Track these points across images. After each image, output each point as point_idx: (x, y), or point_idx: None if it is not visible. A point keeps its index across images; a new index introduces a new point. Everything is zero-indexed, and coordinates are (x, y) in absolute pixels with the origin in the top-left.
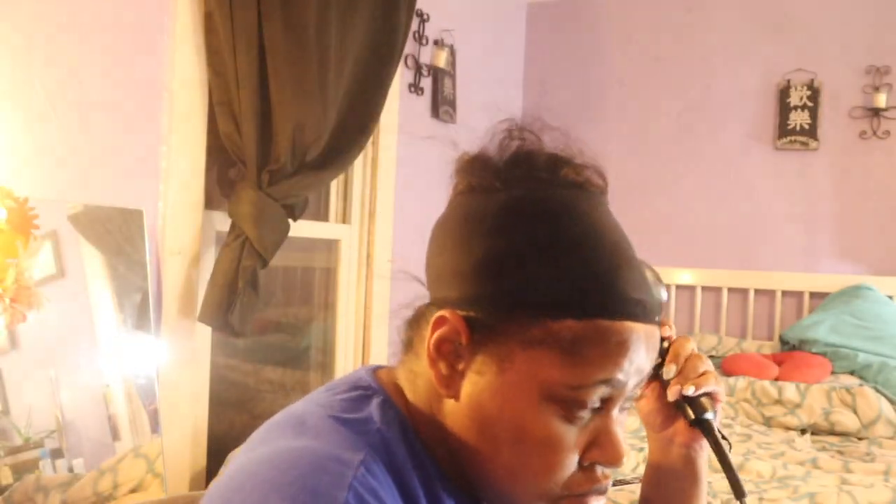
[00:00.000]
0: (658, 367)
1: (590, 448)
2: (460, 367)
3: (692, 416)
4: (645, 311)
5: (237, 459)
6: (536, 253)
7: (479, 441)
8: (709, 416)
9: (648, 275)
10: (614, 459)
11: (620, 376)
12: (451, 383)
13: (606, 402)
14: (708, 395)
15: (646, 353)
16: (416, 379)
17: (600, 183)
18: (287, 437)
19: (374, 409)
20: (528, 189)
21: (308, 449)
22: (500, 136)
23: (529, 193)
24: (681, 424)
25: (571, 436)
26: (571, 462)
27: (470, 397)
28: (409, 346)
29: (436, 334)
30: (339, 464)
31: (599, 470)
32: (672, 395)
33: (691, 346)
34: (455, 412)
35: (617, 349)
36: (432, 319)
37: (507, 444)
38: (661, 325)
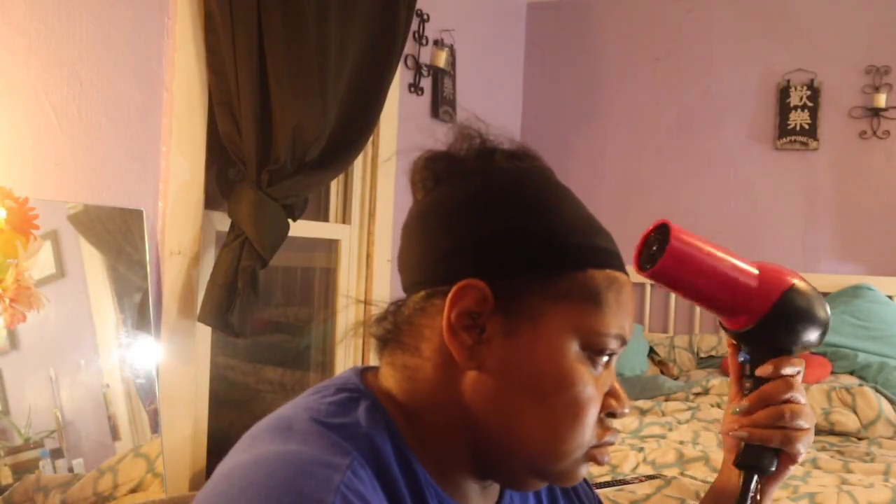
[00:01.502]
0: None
1: (606, 398)
2: (485, 335)
3: (736, 460)
4: (621, 262)
5: (224, 463)
6: (543, 215)
7: (512, 404)
8: (768, 470)
9: (809, 294)
10: (623, 405)
11: (629, 322)
12: (474, 354)
13: (612, 355)
14: (778, 450)
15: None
16: (416, 373)
17: (531, 152)
18: (274, 441)
19: (361, 412)
20: (509, 167)
21: (295, 453)
22: (459, 133)
23: (513, 170)
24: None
25: (596, 391)
26: (597, 411)
27: (502, 361)
28: (396, 343)
29: (458, 306)
30: (326, 468)
31: (609, 420)
32: (726, 427)
33: (789, 395)
34: (480, 383)
35: (626, 296)
36: (451, 294)
37: (547, 397)
38: (780, 360)
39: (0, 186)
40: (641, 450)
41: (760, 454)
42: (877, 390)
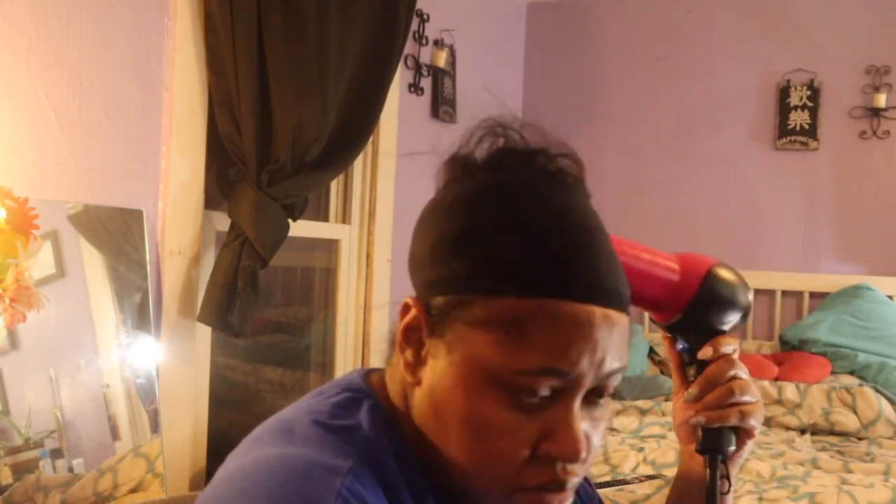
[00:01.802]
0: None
1: (544, 439)
2: (423, 352)
3: (698, 446)
4: (603, 297)
5: (226, 466)
6: (484, 232)
7: (437, 427)
8: (729, 449)
9: (728, 275)
10: (567, 453)
11: (569, 366)
12: (415, 370)
13: (562, 393)
14: (734, 428)
15: (606, 344)
16: (394, 372)
17: (575, 172)
18: (276, 444)
19: (363, 414)
20: (494, 177)
21: (296, 456)
22: (479, 133)
23: (493, 180)
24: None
25: (520, 423)
26: (520, 451)
27: (427, 382)
28: (392, 343)
29: (402, 322)
30: (327, 471)
31: (559, 465)
32: (682, 418)
33: (733, 372)
34: (419, 399)
35: (566, 334)
36: (400, 308)
37: (455, 429)
38: (717, 341)
39: (0, 186)
40: (641, 450)
41: (720, 435)
42: (877, 390)
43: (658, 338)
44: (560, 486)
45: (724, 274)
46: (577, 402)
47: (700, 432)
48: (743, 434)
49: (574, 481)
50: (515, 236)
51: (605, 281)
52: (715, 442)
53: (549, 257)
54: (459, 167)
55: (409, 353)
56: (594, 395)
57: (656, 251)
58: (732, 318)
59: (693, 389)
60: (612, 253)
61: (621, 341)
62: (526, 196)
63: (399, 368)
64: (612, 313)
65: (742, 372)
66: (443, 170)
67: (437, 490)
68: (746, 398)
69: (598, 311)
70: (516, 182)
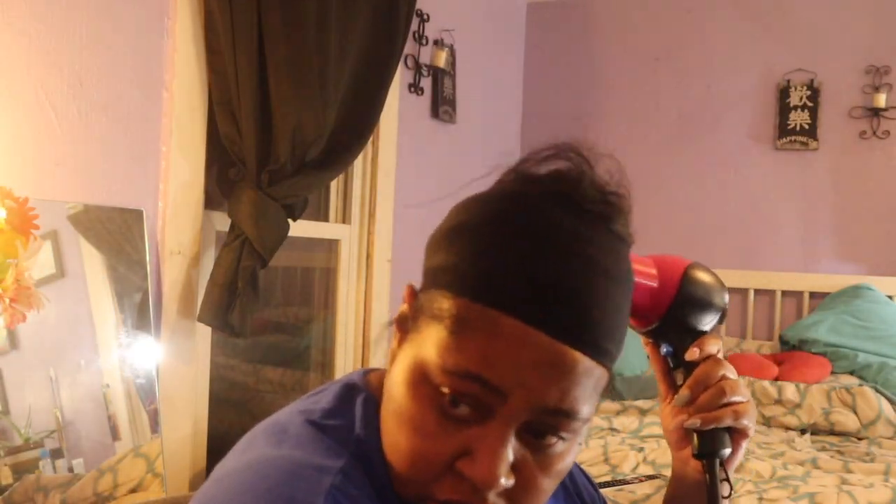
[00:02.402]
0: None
1: (463, 456)
2: (402, 342)
3: (695, 451)
4: (576, 338)
5: (219, 468)
6: (471, 233)
7: (382, 416)
8: (725, 451)
9: (704, 276)
10: (480, 477)
11: (495, 378)
12: (394, 357)
13: (491, 414)
14: (728, 429)
15: (558, 380)
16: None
17: (611, 214)
18: (268, 445)
19: (357, 414)
20: (520, 188)
21: (287, 458)
22: (547, 152)
23: (516, 190)
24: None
25: (442, 430)
26: (436, 458)
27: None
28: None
29: (401, 307)
30: (317, 471)
31: (476, 489)
32: (676, 423)
33: (722, 372)
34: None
35: (503, 348)
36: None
37: (387, 419)
38: (702, 342)
39: (0, 186)
40: (641, 450)
41: (715, 438)
42: (877, 390)
43: None
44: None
45: (701, 275)
46: (509, 430)
47: (694, 437)
48: (737, 435)
49: None
50: (498, 244)
51: (584, 324)
52: (711, 445)
53: (524, 275)
54: (511, 174)
55: (394, 343)
56: (539, 434)
57: (634, 257)
58: (712, 318)
59: (684, 392)
60: (617, 308)
61: (582, 386)
62: (533, 212)
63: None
64: (579, 356)
65: (730, 372)
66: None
67: None
68: (738, 398)
69: (559, 346)
70: (532, 197)
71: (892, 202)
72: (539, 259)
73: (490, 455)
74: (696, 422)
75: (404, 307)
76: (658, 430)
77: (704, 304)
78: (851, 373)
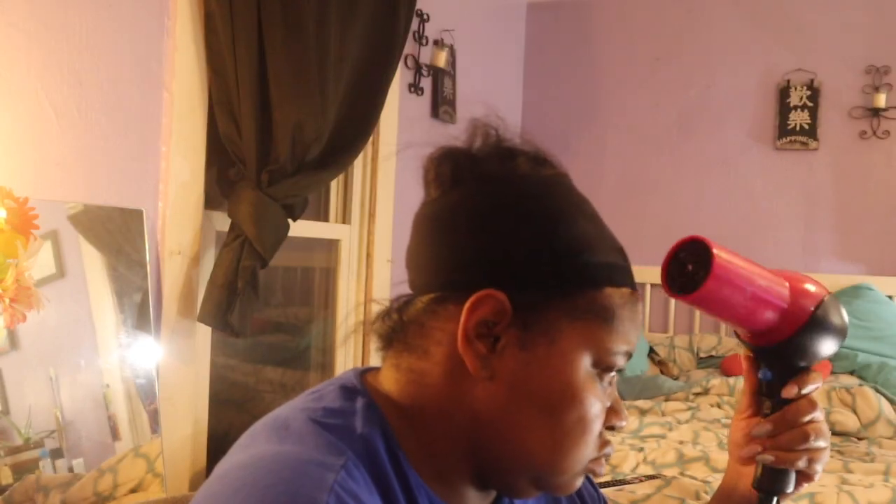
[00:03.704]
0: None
1: (608, 412)
2: (499, 345)
3: (756, 482)
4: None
5: (222, 464)
6: (566, 230)
7: (521, 416)
8: (787, 491)
9: (838, 308)
10: (625, 420)
11: (636, 340)
12: (486, 364)
13: (620, 370)
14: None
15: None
16: (422, 377)
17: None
18: (270, 441)
19: (358, 413)
20: (532, 175)
21: (290, 453)
22: (476, 131)
23: (537, 179)
24: (749, 473)
25: (604, 400)
26: (601, 426)
27: (514, 373)
28: (402, 345)
29: (475, 315)
30: (320, 467)
31: (605, 433)
32: (748, 451)
33: (811, 416)
34: (490, 393)
35: (637, 315)
36: (470, 302)
37: (557, 413)
38: (803, 380)
39: (0, 186)
40: (641, 450)
41: (782, 476)
42: (877, 390)
43: (658, 338)
44: (611, 449)
45: (833, 307)
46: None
47: (760, 467)
48: (802, 477)
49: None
50: (590, 233)
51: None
52: (776, 483)
53: (616, 249)
54: (476, 164)
55: (479, 346)
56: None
57: (765, 269)
58: (827, 353)
59: (766, 426)
60: None
61: None
62: (571, 194)
63: (433, 371)
64: None
65: (819, 414)
66: (452, 164)
67: (427, 491)
68: (819, 443)
69: (635, 292)
70: (554, 181)
71: (892, 202)
72: (605, 230)
73: (619, 400)
74: (769, 458)
75: (488, 312)
76: (658, 430)
77: (827, 341)
78: (851, 373)
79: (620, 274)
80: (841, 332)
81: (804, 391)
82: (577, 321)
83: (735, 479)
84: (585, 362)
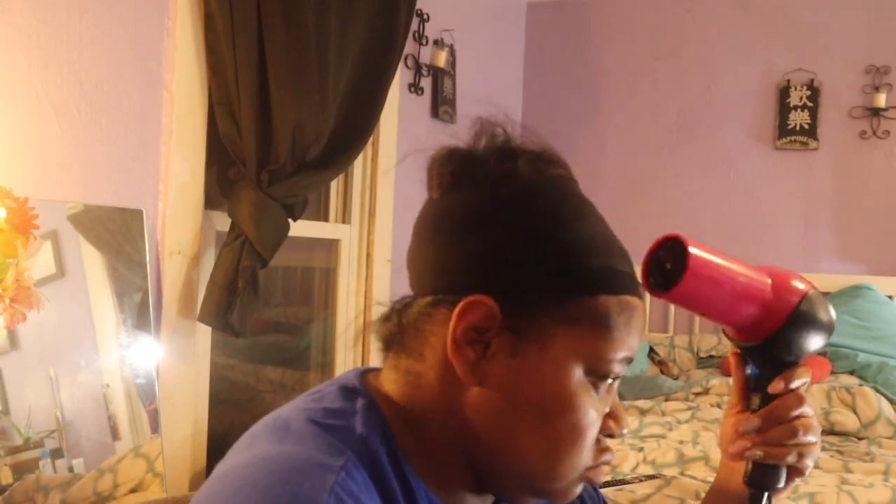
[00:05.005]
0: (757, 402)
1: (605, 419)
2: (489, 351)
3: (747, 477)
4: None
5: (222, 464)
6: (561, 234)
7: (512, 423)
8: (778, 486)
9: (822, 301)
10: (625, 427)
11: (633, 352)
12: (476, 370)
13: (616, 377)
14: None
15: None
16: (418, 379)
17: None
18: (271, 442)
19: (358, 414)
20: (531, 176)
21: (290, 454)
22: (482, 131)
23: (535, 180)
24: (741, 469)
25: (600, 409)
26: (596, 434)
27: (503, 379)
28: (400, 346)
29: (464, 321)
30: (320, 468)
31: (604, 441)
32: (736, 447)
33: (799, 410)
34: (480, 399)
35: (636, 322)
36: (459, 308)
37: (548, 421)
38: (790, 375)
39: (0, 186)
40: (641, 450)
41: (772, 472)
42: (877, 390)
43: (658, 338)
44: (610, 457)
45: (817, 300)
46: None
47: (750, 463)
48: (793, 472)
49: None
50: (588, 237)
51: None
52: (766, 478)
53: (617, 255)
54: (477, 165)
55: (469, 352)
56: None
57: (746, 264)
58: (813, 348)
59: (755, 421)
60: None
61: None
62: (571, 198)
63: (427, 374)
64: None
65: (808, 409)
66: (451, 163)
67: (427, 493)
68: (809, 438)
69: (636, 299)
70: (554, 184)
71: (892, 202)
72: (616, 240)
73: (620, 406)
74: (757, 453)
75: (478, 318)
76: (658, 430)
77: (812, 335)
78: (851, 373)
79: (619, 279)
80: (827, 327)
81: (791, 386)
82: (571, 328)
83: (728, 476)
84: (577, 370)
